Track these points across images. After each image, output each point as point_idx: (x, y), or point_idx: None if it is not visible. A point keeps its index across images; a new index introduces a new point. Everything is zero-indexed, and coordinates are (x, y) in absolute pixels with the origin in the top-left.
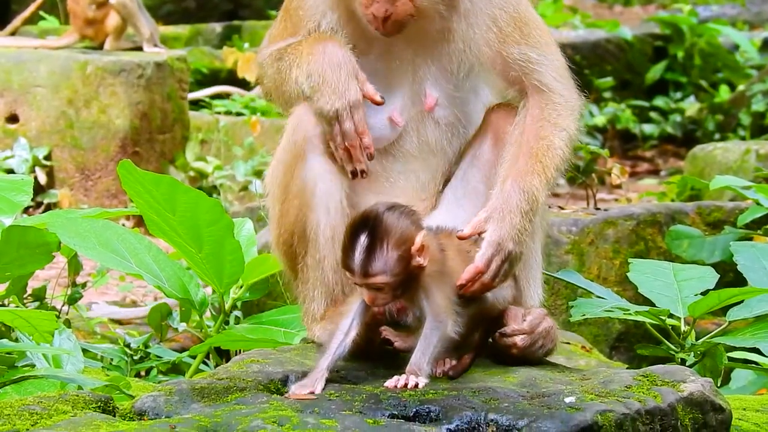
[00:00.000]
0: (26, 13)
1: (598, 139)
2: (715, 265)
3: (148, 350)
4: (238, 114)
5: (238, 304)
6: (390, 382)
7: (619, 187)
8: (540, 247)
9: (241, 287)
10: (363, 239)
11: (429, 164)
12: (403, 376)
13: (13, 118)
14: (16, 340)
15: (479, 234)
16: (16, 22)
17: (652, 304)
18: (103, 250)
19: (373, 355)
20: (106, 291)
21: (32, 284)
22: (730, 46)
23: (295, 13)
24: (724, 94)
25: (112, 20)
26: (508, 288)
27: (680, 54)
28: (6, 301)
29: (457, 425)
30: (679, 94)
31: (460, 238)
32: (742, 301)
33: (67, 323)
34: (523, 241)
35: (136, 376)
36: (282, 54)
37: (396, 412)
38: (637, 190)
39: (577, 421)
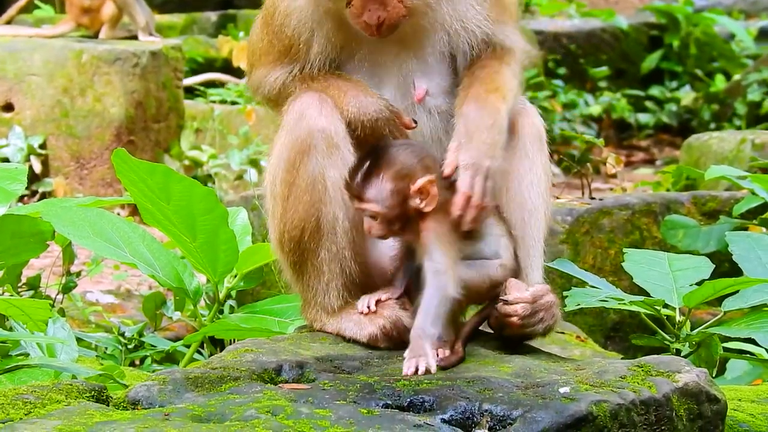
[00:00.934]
0: (21, 1)
1: (593, 128)
2: (710, 255)
3: (143, 339)
4: (233, 103)
5: (233, 293)
6: (406, 369)
7: (614, 176)
8: (542, 234)
9: (236, 276)
10: (366, 164)
11: None
12: (413, 361)
13: (8, 107)
14: (10, 328)
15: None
16: (12, 11)
17: (647, 294)
18: (97, 239)
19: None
20: (100, 280)
21: (27, 273)
22: (725, 35)
23: (280, 31)
24: (719, 83)
25: (108, 9)
26: (505, 249)
27: (676, 43)
28: (0, 290)
29: (452, 415)
30: (674, 84)
31: (445, 178)
32: (737, 292)
33: (62, 312)
34: (497, 154)
35: (130, 365)
36: (295, 94)
37: (390, 402)
38: (632, 180)
39: (572, 412)
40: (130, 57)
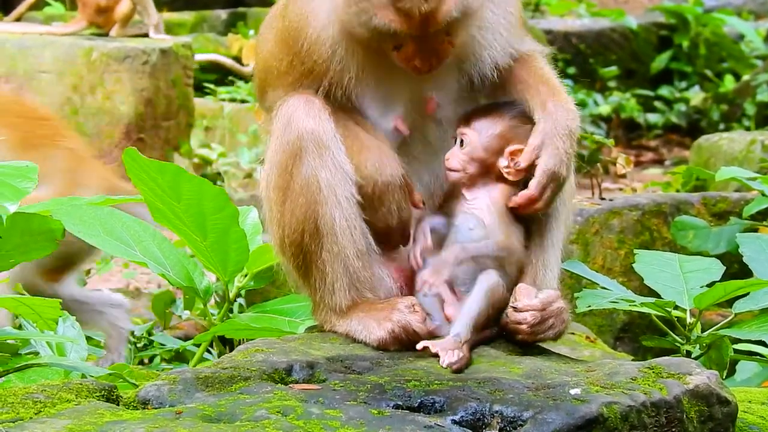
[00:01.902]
0: None
1: (603, 128)
2: (720, 256)
3: (152, 338)
4: (243, 101)
5: (243, 292)
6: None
7: (623, 176)
8: (560, 239)
9: (246, 275)
10: (494, 102)
11: (431, 165)
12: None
13: None
14: (20, 327)
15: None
16: (22, 7)
17: (658, 296)
18: (107, 237)
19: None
20: (110, 278)
21: None
22: (735, 35)
23: (307, 57)
24: (728, 83)
25: (122, 7)
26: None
27: (685, 43)
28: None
29: (462, 416)
30: (683, 84)
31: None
32: (748, 293)
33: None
34: (571, 166)
35: (139, 363)
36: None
37: (401, 403)
38: (641, 180)
39: (583, 413)
40: (139, 55)
